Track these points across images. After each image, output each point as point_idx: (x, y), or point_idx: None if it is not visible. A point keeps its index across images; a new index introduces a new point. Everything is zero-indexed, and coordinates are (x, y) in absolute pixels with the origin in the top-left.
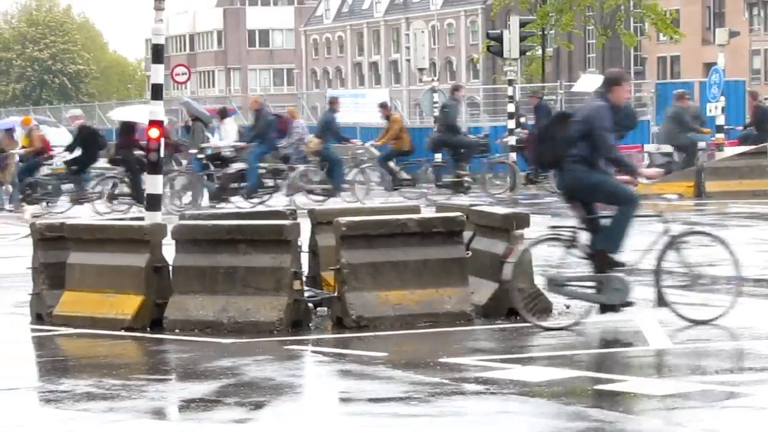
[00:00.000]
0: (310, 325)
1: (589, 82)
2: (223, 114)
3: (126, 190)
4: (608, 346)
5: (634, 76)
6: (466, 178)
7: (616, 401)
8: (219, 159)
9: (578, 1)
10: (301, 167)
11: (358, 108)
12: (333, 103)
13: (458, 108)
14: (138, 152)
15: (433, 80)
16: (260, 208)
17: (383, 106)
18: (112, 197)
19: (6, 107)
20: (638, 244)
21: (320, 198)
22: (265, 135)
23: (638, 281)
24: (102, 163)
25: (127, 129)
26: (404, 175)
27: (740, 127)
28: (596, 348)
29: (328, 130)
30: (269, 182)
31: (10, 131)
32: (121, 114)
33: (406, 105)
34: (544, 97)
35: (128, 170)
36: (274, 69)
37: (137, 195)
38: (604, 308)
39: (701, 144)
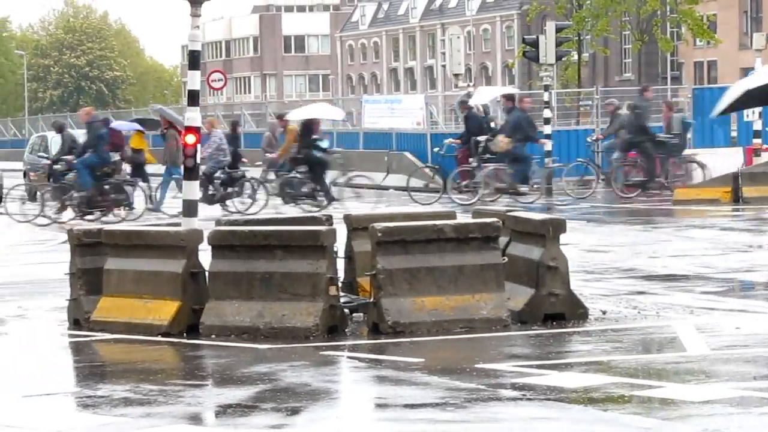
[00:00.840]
0: (346, 330)
1: (484, 95)
2: (60, 129)
3: (305, 189)
4: (645, 352)
5: (670, 81)
6: (657, 178)
7: (654, 408)
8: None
9: (614, 6)
10: (491, 166)
11: (394, 114)
12: (521, 101)
13: (649, 108)
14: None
15: (468, 86)
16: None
17: (280, 117)
18: (292, 197)
19: (44, 113)
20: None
21: (512, 197)
22: (95, 147)
23: (677, 287)
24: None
25: (308, 128)
26: (304, 189)
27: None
28: (633, 354)
29: (518, 129)
30: (103, 199)
31: (140, 132)
32: (300, 114)
33: (441, 110)
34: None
35: (310, 169)
36: (310, 75)
37: (316, 194)
38: None
39: None
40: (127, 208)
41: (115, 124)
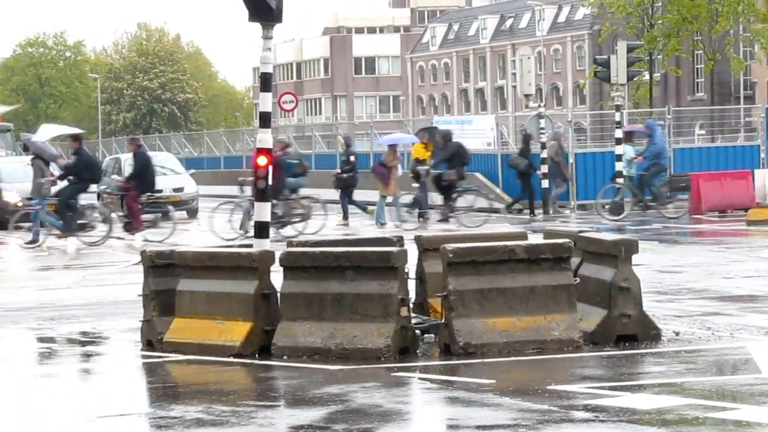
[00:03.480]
0: (418, 351)
1: (47, 131)
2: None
3: None
4: (719, 373)
5: (743, 100)
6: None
7: (729, 430)
8: None
9: (686, 26)
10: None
11: (465, 134)
12: None
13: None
14: None
15: (539, 106)
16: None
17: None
18: None
19: (117, 136)
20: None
21: None
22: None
23: (751, 308)
24: None
25: None
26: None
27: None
28: (707, 375)
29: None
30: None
31: (393, 147)
32: None
33: (512, 131)
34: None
35: None
36: (380, 96)
37: None
38: None
39: None
40: None
41: (390, 137)
